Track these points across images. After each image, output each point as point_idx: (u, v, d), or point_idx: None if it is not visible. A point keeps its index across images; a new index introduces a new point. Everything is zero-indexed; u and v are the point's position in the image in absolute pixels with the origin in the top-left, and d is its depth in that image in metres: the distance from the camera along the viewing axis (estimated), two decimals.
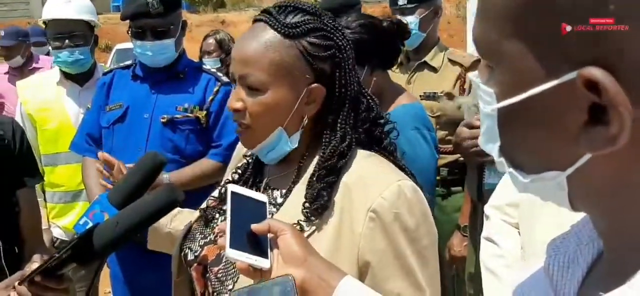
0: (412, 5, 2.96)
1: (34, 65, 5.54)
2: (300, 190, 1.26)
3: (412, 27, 2.95)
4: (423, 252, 1.20)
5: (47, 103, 3.10)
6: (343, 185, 1.22)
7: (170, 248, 1.50)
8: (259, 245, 1.06)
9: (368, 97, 1.32)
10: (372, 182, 1.21)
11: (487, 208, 1.85)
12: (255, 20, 1.28)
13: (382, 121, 1.34)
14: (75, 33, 2.99)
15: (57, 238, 3.14)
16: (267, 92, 1.22)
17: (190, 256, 1.37)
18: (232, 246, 1.04)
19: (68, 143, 3.02)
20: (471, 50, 4.11)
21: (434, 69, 3.04)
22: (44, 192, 3.11)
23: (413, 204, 1.20)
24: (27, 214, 1.87)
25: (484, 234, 1.82)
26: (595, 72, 0.50)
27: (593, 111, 0.52)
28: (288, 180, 1.31)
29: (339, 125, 1.25)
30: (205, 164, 2.62)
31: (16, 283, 1.33)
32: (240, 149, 1.52)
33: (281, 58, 1.21)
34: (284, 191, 1.31)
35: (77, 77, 3.12)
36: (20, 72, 5.46)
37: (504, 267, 1.67)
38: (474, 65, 2.97)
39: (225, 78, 2.69)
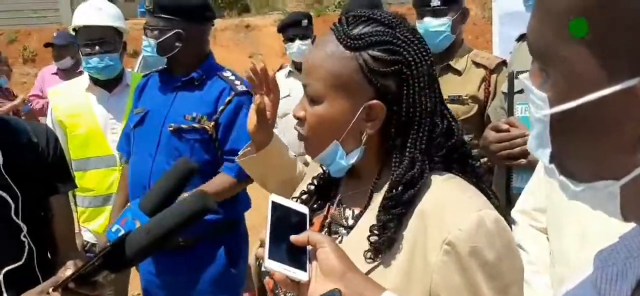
0: (445, 7, 2.94)
1: (81, 68, 5.68)
2: (370, 217, 1.18)
3: (444, 29, 2.94)
4: (505, 290, 1.09)
5: (76, 109, 3.15)
6: (418, 212, 1.13)
7: (256, 177, 1.59)
8: (298, 256, 1.05)
9: (449, 120, 1.20)
10: (449, 210, 1.10)
11: (515, 213, 1.83)
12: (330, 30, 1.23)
13: (466, 147, 1.22)
14: (105, 39, 3.04)
15: (88, 242, 3.18)
16: (323, 103, 1.18)
17: (263, 268, 1.31)
18: (270, 257, 1.03)
19: (97, 148, 3.08)
20: (497, 52, 4.08)
21: (458, 72, 3.02)
22: (74, 196, 3.16)
23: (494, 236, 1.08)
24: (60, 220, 1.90)
25: None
26: None
27: None
28: (361, 201, 1.23)
29: (407, 148, 1.15)
30: (219, 181, 2.57)
31: (50, 289, 1.36)
32: None
33: (339, 70, 1.15)
34: (356, 212, 1.24)
35: (106, 83, 3.17)
36: (67, 74, 5.59)
37: (533, 273, 1.65)
38: (498, 67, 2.95)
39: (241, 88, 2.63)
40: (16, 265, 1.72)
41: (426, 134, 1.15)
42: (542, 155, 0.61)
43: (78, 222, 3.15)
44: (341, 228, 1.25)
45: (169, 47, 2.60)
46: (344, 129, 1.17)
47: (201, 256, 2.67)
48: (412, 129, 1.15)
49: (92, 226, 3.17)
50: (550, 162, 0.61)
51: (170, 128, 2.58)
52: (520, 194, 1.92)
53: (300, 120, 1.23)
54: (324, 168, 1.36)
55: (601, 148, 0.55)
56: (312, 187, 1.37)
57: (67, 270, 1.32)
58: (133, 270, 3.27)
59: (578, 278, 0.71)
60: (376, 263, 1.12)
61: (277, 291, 1.26)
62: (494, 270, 1.08)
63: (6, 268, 1.70)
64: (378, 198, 1.18)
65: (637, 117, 0.51)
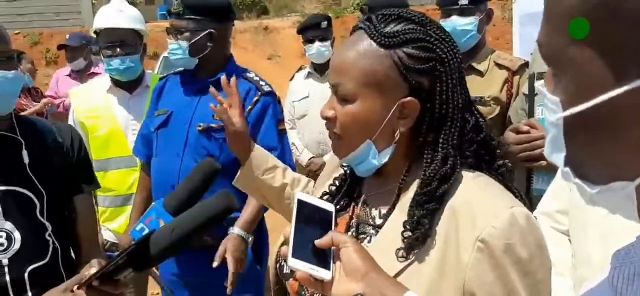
0: (472, 6, 2.93)
1: (93, 70, 5.75)
2: (399, 214, 1.17)
3: (471, 28, 2.93)
4: (537, 286, 1.10)
5: (97, 111, 3.18)
6: (449, 209, 1.12)
7: (252, 193, 1.57)
8: (322, 255, 1.04)
9: (477, 116, 1.21)
10: (481, 208, 1.10)
11: (536, 215, 1.81)
12: (356, 28, 1.23)
13: (494, 142, 1.22)
14: (125, 41, 3.07)
15: (108, 241, 3.21)
16: (356, 102, 1.17)
17: (286, 270, 1.31)
18: (294, 255, 1.03)
19: (118, 148, 3.10)
20: (518, 53, 4.05)
21: (481, 73, 3.00)
22: (95, 196, 3.19)
23: (526, 233, 1.09)
24: (83, 220, 1.92)
25: None
26: None
27: None
28: (387, 200, 1.23)
29: (440, 144, 1.15)
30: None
31: (75, 287, 1.37)
32: (335, 157, 1.46)
33: (373, 68, 1.15)
34: (383, 211, 1.24)
35: (126, 85, 3.20)
36: (80, 75, 5.67)
37: (555, 275, 1.64)
38: (521, 69, 2.92)
39: (266, 88, 2.66)
40: (41, 263, 1.74)
41: (458, 130, 1.15)
42: (557, 159, 0.62)
43: (98, 221, 3.18)
44: (369, 228, 1.24)
45: (201, 48, 2.61)
46: (377, 127, 1.17)
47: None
48: (445, 125, 1.15)
49: (112, 226, 3.20)
50: (565, 165, 0.61)
51: (199, 128, 2.59)
52: (540, 196, 1.91)
53: (330, 121, 1.22)
54: (345, 168, 1.36)
55: (614, 149, 0.55)
56: (334, 188, 1.36)
57: (92, 269, 1.33)
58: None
59: (597, 278, 0.71)
60: (409, 261, 1.12)
61: (303, 293, 1.26)
62: (527, 267, 1.08)
63: (31, 266, 1.73)
64: (406, 196, 1.18)
65: None
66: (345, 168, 1.36)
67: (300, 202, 1.11)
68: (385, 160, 1.21)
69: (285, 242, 1.37)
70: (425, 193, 1.13)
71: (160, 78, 2.92)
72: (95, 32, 3.20)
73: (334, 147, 1.26)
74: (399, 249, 1.13)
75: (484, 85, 2.96)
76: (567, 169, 0.61)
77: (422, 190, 1.14)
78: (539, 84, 0.64)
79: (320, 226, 1.08)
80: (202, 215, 1.24)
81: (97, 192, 3.15)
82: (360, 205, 1.29)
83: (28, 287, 1.71)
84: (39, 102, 5.42)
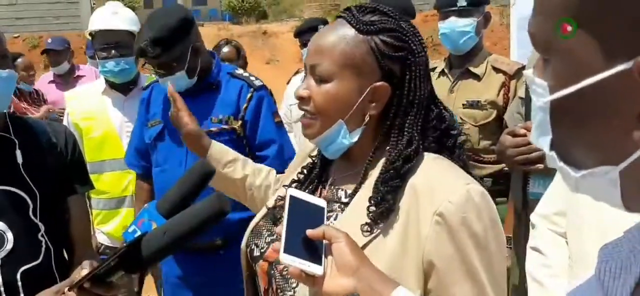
0: (471, 8, 2.94)
1: (77, 73, 5.72)
2: (365, 192, 1.25)
3: (469, 29, 2.94)
4: (490, 259, 1.18)
5: (92, 113, 3.17)
6: (410, 187, 1.21)
7: (217, 187, 1.62)
8: (314, 250, 1.06)
9: (441, 108, 1.32)
10: (439, 185, 1.20)
11: (534, 217, 1.81)
12: (337, 17, 1.32)
13: (454, 132, 1.32)
14: (121, 43, 3.06)
15: (102, 244, 3.21)
16: (333, 82, 1.25)
17: (256, 253, 1.40)
18: (286, 250, 1.04)
19: (113, 151, 3.10)
20: (515, 57, 4.05)
21: (477, 77, 3.01)
22: (89, 198, 3.18)
23: (481, 209, 1.18)
24: (77, 221, 1.91)
25: (530, 244, 1.78)
26: None
27: None
28: (353, 180, 1.31)
29: (406, 129, 1.24)
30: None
31: (66, 289, 1.37)
32: (304, 147, 1.55)
33: (351, 51, 1.24)
34: (349, 191, 1.32)
35: (121, 87, 3.19)
36: (64, 80, 5.65)
37: (551, 277, 1.63)
38: (518, 73, 2.92)
39: (258, 82, 2.63)
40: (33, 264, 1.73)
41: (422, 117, 1.26)
42: (543, 142, 0.63)
43: (92, 224, 3.17)
44: (336, 206, 1.31)
45: (194, 65, 2.56)
46: (350, 108, 1.25)
47: (234, 254, 2.65)
48: (412, 112, 1.25)
49: (106, 229, 3.19)
50: (551, 149, 0.62)
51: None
52: (536, 200, 1.90)
53: (304, 100, 1.30)
54: (313, 157, 1.45)
55: (600, 133, 0.56)
56: (302, 176, 1.44)
57: (83, 270, 1.32)
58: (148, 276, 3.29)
59: (587, 274, 0.72)
60: (373, 235, 1.19)
61: (272, 272, 1.32)
62: (482, 240, 1.16)
63: (23, 267, 1.72)
64: (372, 176, 1.26)
65: (634, 99, 0.52)
66: (314, 158, 1.44)
67: (292, 198, 1.13)
68: (355, 139, 1.29)
69: (255, 228, 1.43)
70: (390, 170, 1.22)
71: (145, 87, 2.88)
72: (90, 34, 3.20)
73: (306, 126, 1.32)
74: (364, 224, 1.20)
75: (481, 89, 2.97)
76: (553, 153, 0.62)
77: (387, 168, 1.23)
78: (527, 71, 0.65)
79: (311, 222, 1.10)
80: (194, 217, 1.23)
81: (91, 194, 3.15)
82: (327, 187, 1.38)
83: (20, 288, 1.70)
84: (40, 106, 5.35)
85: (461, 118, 2.95)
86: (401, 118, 1.25)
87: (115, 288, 1.34)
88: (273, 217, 1.42)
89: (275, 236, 1.37)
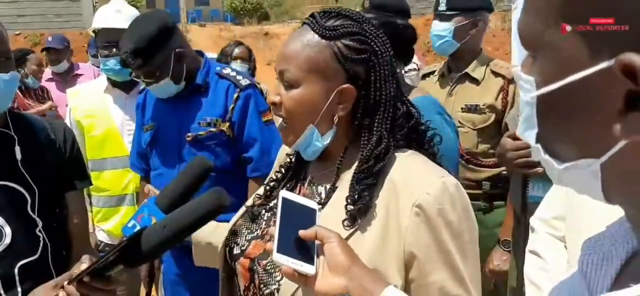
0: (450, 13, 2.95)
1: (76, 71, 5.72)
2: (343, 189, 1.30)
3: (445, 34, 2.95)
4: (464, 247, 1.24)
5: (93, 111, 3.17)
6: (389, 182, 1.26)
7: (215, 261, 1.54)
8: (306, 251, 1.09)
9: (408, 104, 1.36)
10: (416, 179, 1.25)
11: (533, 221, 1.82)
12: (302, 24, 1.36)
13: (423, 127, 1.37)
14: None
15: (102, 242, 3.20)
16: (300, 87, 1.29)
17: (236, 251, 1.42)
18: (279, 250, 1.06)
19: (114, 149, 3.10)
20: (515, 61, 4.05)
21: (476, 81, 3.01)
22: (90, 196, 3.19)
23: (456, 200, 1.23)
24: (75, 217, 1.92)
25: (528, 247, 1.79)
26: (634, 58, 0.51)
27: (630, 98, 0.53)
28: (331, 176, 1.36)
29: (375, 128, 1.29)
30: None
31: (65, 283, 1.37)
32: (283, 148, 1.58)
33: (316, 56, 1.28)
34: (328, 187, 1.36)
35: (123, 85, 3.19)
36: (63, 78, 5.65)
37: (549, 281, 1.64)
38: None
39: (244, 82, 2.60)
40: (31, 259, 1.74)
41: (390, 115, 1.30)
42: (529, 136, 0.65)
43: (92, 221, 3.17)
44: (316, 202, 1.31)
45: (179, 71, 2.54)
46: (318, 112, 1.30)
47: None
48: (379, 111, 1.29)
49: (107, 226, 3.19)
50: (537, 142, 0.64)
51: (189, 138, 2.54)
52: (536, 203, 1.91)
53: (276, 106, 1.34)
54: (290, 156, 1.49)
55: (583, 128, 0.58)
56: (280, 174, 1.49)
57: (82, 264, 1.33)
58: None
59: (572, 269, 0.74)
60: (353, 229, 1.24)
61: (254, 267, 1.35)
62: (456, 229, 1.22)
63: (21, 262, 1.72)
64: (346, 176, 1.32)
65: (616, 95, 0.54)
66: (291, 156, 1.49)
67: (284, 199, 1.16)
68: (328, 142, 1.34)
69: (234, 228, 1.46)
70: (363, 170, 1.27)
71: (141, 91, 2.87)
72: (93, 31, 3.20)
73: (283, 135, 1.38)
74: (343, 220, 1.25)
75: (479, 93, 2.98)
76: (538, 146, 0.64)
77: (360, 168, 1.28)
78: (515, 68, 0.68)
79: (304, 223, 1.12)
80: (193, 212, 1.24)
81: (91, 191, 3.15)
82: (306, 184, 1.42)
83: (18, 282, 1.71)
84: (44, 104, 5.33)
85: (460, 121, 2.95)
86: (370, 118, 1.30)
87: (115, 282, 1.34)
88: (252, 215, 1.45)
89: (255, 234, 1.40)
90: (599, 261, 0.67)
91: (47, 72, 5.92)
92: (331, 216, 1.26)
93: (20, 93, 5.04)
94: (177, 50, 2.51)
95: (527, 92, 0.63)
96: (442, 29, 2.96)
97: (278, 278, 1.28)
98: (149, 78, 2.51)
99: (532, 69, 0.62)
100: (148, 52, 2.43)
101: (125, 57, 2.42)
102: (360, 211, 1.24)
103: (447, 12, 2.95)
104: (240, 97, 2.56)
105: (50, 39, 5.90)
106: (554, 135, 0.62)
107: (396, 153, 1.30)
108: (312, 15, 1.34)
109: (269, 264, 1.31)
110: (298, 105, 1.30)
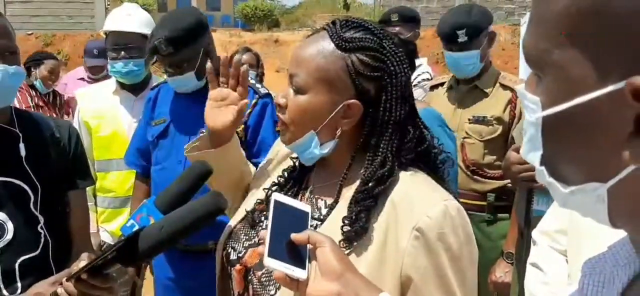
0: (472, 40, 2.91)
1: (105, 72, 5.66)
2: (343, 207, 1.26)
3: (474, 60, 2.93)
4: (463, 270, 1.20)
5: (101, 111, 3.19)
6: (389, 202, 1.22)
7: (225, 160, 1.52)
8: (298, 255, 1.06)
9: (421, 128, 1.31)
10: (417, 200, 1.21)
11: (536, 234, 1.81)
12: (322, 29, 1.32)
13: (435, 151, 1.33)
14: (131, 45, 3.07)
15: (105, 242, 3.21)
16: (307, 94, 1.26)
17: (233, 256, 1.40)
18: (270, 254, 1.04)
19: (120, 150, 3.10)
20: (523, 74, 4.05)
21: (485, 93, 3.01)
22: (95, 196, 3.20)
23: (457, 225, 1.20)
24: (77, 215, 1.92)
25: (530, 260, 1.78)
26: None
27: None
28: (332, 191, 1.32)
29: (381, 149, 1.25)
30: None
31: (63, 280, 1.38)
32: (283, 148, 1.52)
33: (327, 66, 1.24)
34: (328, 202, 1.33)
35: (131, 87, 3.21)
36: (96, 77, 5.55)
37: (549, 294, 1.63)
38: None
39: (263, 90, 2.64)
40: (32, 255, 1.75)
41: (398, 138, 1.25)
42: (534, 157, 0.62)
43: (97, 222, 3.18)
44: (315, 219, 1.31)
45: (203, 69, 2.52)
46: (321, 121, 1.26)
47: None
48: (386, 132, 1.25)
49: (111, 227, 3.20)
50: (541, 164, 0.62)
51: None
52: (540, 217, 1.90)
53: (281, 108, 1.31)
54: (294, 160, 1.45)
55: (590, 151, 0.56)
56: (282, 179, 1.44)
57: (81, 262, 1.34)
58: (147, 274, 3.29)
59: (571, 288, 0.72)
60: (350, 250, 1.20)
61: (249, 277, 1.32)
62: (456, 254, 1.19)
63: (22, 258, 1.73)
64: (348, 192, 1.28)
65: (625, 119, 0.52)
66: (294, 160, 1.45)
67: (276, 202, 1.14)
68: (326, 151, 1.30)
69: (232, 232, 1.43)
70: (363, 191, 1.23)
71: (153, 87, 2.90)
72: (105, 33, 3.22)
73: (281, 133, 1.35)
74: (340, 241, 1.20)
75: (487, 105, 2.97)
76: (542, 168, 0.62)
77: (361, 188, 1.24)
78: (520, 87, 0.65)
79: (296, 227, 1.10)
80: (191, 213, 1.24)
81: (97, 192, 3.17)
82: (307, 195, 1.38)
83: (18, 278, 1.72)
84: (56, 107, 5.23)
85: (467, 132, 2.96)
86: (376, 138, 1.25)
87: (112, 281, 1.35)
88: (251, 220, 1.42)
89: (253, 242, 1.37)
90: (601, 283, 0.65)
91: (77, 71, 5.81)
92: (329, 234, 1.19)
93: (32, 93, 5.01)
94: (207, 47, 2.56)
95: (532, 112, 0.60)
96: (468, 56, 2.93)
97: (271, 292, 1.26)
98: (173, 69, 2.54)
99: (537, 88, 0.60)
100: (181, 42, 2.46)
101: (157, 43, 2.44)
102: (356, 233, 1.20)
103: (469, 41, 2.92)
104: (258, 103, 2.59)
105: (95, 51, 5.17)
106: (560, 157, 0.60)
107: (400, 173, 1.25)
108: (333, 22, 1.29)
109: (263, 276, 1.29)
110: (302, 112, 1.28)
